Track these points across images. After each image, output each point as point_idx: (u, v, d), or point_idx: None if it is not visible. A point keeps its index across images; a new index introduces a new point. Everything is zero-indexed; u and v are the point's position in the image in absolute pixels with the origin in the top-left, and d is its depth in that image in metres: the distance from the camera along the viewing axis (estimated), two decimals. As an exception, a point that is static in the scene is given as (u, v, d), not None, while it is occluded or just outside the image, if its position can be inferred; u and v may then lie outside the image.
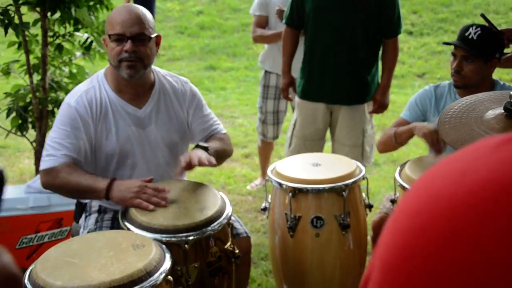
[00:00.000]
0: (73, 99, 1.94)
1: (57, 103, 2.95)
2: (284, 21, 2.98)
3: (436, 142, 2.09)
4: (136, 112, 2.00)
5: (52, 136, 1.93)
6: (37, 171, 2.95)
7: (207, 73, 7.12)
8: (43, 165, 1.92)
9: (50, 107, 3.01)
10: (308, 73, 2.93)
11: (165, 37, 8.32)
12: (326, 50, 2.83)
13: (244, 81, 6.79)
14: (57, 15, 2.97)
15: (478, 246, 0.34)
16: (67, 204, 2.65)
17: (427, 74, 6.54)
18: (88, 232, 1.99)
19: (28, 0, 2.84)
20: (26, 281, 1.43)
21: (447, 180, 0.39)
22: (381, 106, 2.97)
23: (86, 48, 3.09)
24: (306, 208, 2.07)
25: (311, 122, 3.01)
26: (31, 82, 2.99)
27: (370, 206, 2.25)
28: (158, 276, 1.44)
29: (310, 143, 3.05)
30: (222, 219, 1.80)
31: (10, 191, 2.77)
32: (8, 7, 2.82)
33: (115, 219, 2.00)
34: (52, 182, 1.90)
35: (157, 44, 2.02)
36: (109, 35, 1.90)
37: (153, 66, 2.06)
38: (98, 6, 3.02)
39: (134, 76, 1.93)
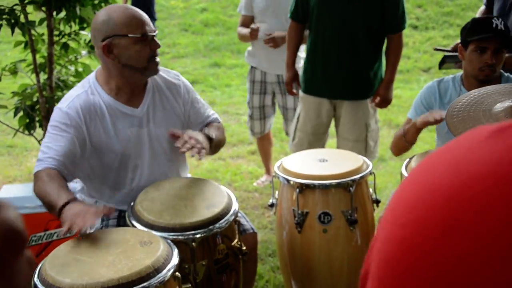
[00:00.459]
0: (65, 104, 1.90)
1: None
2: (289, 15, 2.99)
3: (439, 119, 2.09)
4: (134, 112, 1.97)
5: (44, 141, 1.91)
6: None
7: (211, 70, 7.12)
8: (34, 170, 1.86)
9: (56, 106, 3.02)
10: (311, 67, 2.94)
11: (169, 35, 8.33)
12: (329, 45, 2.83)
13: (243, 76, 6.79)
14: (63, 14, 2.98)
15: (476, 238, 0.34)
16: (75, 202, 2.67)
17: (433, 69, 6.51)
18: (95, 230, 1.98)
19: (33, -1, 2.85)
20: (35, 279, 1.44)
21: (442, 172, 0.39)
22: (384, 101, 2.96)
23: (92, 47, 3.10)
24: (313, 204, 2.07)
25: (314, 117, 3.01)
26: (38, 81, 3.01)
27: (377, 202, 2.24)
28: (166, 272, 1.45)
29: (313, 137, 3.06)
30: (229, 216, 1.80)
31: (19, 190, 2.79)
32: (14, 7, 2.83)
33: (120, 218, 2.00)
34: (34, 186, 1.81)
35: None
36: (132, 35, 1.85)
37: None
38: (103, 4, 3.02)
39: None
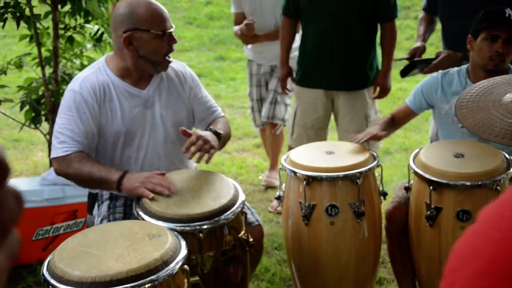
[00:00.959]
0: (76, 84, 1.97)
1: (69, 95, 2.96)
2: (281, 11, 3.01)
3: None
4: (140, 93, 2.03)
5: (59, 123, 1.95)
6: (51, 163, 2.97)
7: (216, 64, 7.10)
8: (55, 153, 1.94)
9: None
10: (305, 60, 2.96)
11: (174, 28, 8.31)
12: (322, 37, 2.85)
13: (242, 77, 6.77)
14: (68, 7, 2.98)
15: None
16: (82, 195, 2.67)
17: (439, 61, 6.48)
18: (102, 219, 2.02)
19: (38, -8, 2.85)
20: (44, 271, 1.44)
21: None
22: (383, 91, 2.97)
23: (97, 40, 3.10)
24: (320, 196, 2.06)
25: (312, 111, 3.03)
26: (43, 74, 3.01)
27: (384, 194, 2.23)
28: (175, 265, 1.45)
29: (312, 131, 3.07)
30: (236, 208, 1.80)
31: (25, 184, 2.80)
32: (20, 0, 2.82)
33: (126, 206, 2.04)
34: (65, 171, 1.93)
35: None
36: (154, 31, 1.93)
37: None
38: (108, -3, 3.02)
39: None
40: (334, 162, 2.10)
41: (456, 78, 2.31)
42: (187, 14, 8.82)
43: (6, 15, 2.80)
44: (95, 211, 2.14)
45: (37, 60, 3.06)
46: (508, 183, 2.01)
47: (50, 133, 3.09)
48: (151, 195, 1.81)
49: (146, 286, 1.37)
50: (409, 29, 7.54)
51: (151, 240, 1.51)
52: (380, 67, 2.97)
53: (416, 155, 2.14)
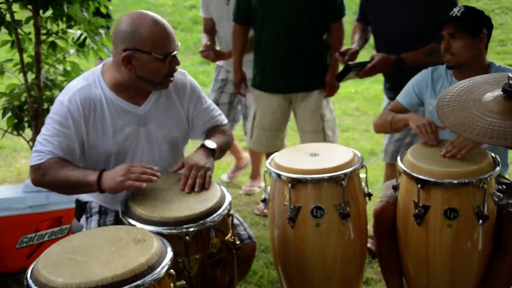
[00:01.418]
0: (66, 97, 1.88)
1: (52, 101, 2.91)
2: (232, 18, 3.07)
3: (430, 133, 2.14)
4: (136, 109, 1.95)
5: (42, 133, 1.90)
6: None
7: (201, 68, 7.10)
8: (31, 162, 1.90)
9: (45, 106, 2.99)
10: (260, 65, 3.04)
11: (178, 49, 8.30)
12: (275, 41, 2.93)
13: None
14: (49, 12, 2.95)
15: None
16: (66, 202, 2.65)
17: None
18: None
19: (19, -3, 2.82)
20: (28, 279, 1.43)
21: None
22: (331, 88, 3.05)
23: (80, 45, 3.07)
24: (305, 198, 2.07)
25: (270, 113, 3.13)
26: (26, 80, 2.97)
27: (369, 195, 2.25)
28: (160, 270, 1.44)
29: (271, 133, 3.18)
30: (222, 210, 1.80)
31: (8, 191, 2.76)
32: (0, 6, 2.79)
33: (118, 220, 1.95)
34: (41, 179, 1.87)
35: None
36: (155, 54, 1.82)
37: None
38: (90, 2, 3.00)
39: None
40: (319, 164, 2.11)
41: (444, 74, 2.36)
42: (171, 19, 8.80)
43: (-14, 21, 2.76)
44: (83, 221, 2.09)
45: (19, 66, 3.02)
46: (494, 182, 2.04)
47: (33, 139, 3.05)
48: (144, 184, 1.77)
49: (132, 291, 1.37)
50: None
51: (136, 245, 1.50)
52: None
53: (403, 155, 2.16)
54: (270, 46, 2.95)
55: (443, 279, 2.10)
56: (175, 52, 1.88)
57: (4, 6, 2.81)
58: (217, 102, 3.49)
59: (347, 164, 2.10)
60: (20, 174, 4.06)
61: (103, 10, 3.10)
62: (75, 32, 3.11)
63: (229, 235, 1.86)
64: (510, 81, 1.24)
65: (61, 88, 3.02)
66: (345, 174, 2.06)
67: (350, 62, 2.56)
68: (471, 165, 2.01)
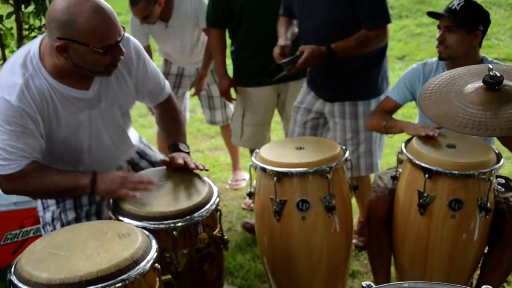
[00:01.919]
0: (14, 97, 1.69)
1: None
2: (207, 23, 3.07)
3: (432, 134, 2.14)
4: (85, 94, 1.83)
5: (2, 139, 1.71)
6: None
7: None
8: (2, 171, 1.75)
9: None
10: (248, 62, 3.03)
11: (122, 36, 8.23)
12: (262, 41, 2.91)
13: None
14: (32, 7, 2.92)
15: None
16: (51, 198, 2.63)
17: (407, 57, 6.57)
18: (54, 220, 1.96)
19: (0, -8, 2.79)
20: (11, 274, 1.41)
21: None
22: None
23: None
24: (291, 191, 2.07)
25: (262, 107, 3.14)
26: (8, 76, 2.94)
27: (355, 188, 2.26)
28: (145, 264, 1.44)
29: (263, 128, 3.21)
30: (210, 205, 1.81)
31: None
32: (-19, 1, 2.76)
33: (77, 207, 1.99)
34: (22, 188, 1.78)
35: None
36: (93, 48, 1.66)
37: None
38: (73, -4, 2.97)
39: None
40: (304, 158, 2.11)
41: (435, 67, 2.36)
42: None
43: (-33, 16, 2.73)
44: (41, 213, 2.03)
45: (1, 61, 3.00)
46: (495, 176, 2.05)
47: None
48: (138, 194, 1.77)
49: (117, 286, 1.36)
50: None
51: (121, 239, 1.50)
52: None
53: (407, 144, 2.17)
54: (255, 40, 2.96)
55: (440, 270, 2.10)
56: (118, 40, 1.70)
57: (-15, 1, 2.78)
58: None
59: (333, 157, 2.11)
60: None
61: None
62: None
63: (217, 230, 1.87)
64: (491, 73, 1.25)
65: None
66: (330, 167, 2.06)
67: (282, 61, 2.49)
68: (478, 156, 2.01)
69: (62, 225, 1.94)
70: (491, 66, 1.29)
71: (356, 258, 2.78)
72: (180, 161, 1.96)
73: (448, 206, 2.00)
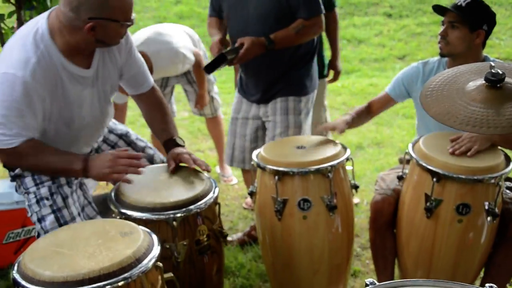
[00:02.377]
0: (27, 72, 1.75)
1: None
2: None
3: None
4: (87, 73, 1.93)
5: (2, 114, 1.76)
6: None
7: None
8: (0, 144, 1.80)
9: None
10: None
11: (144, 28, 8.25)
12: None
13: (225, 69, 6.75)
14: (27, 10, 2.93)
15: None
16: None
17: (408, 56, 6.58)
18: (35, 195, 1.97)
19: (2, -8, 2.79)
20: (14, 272, 1.42)
21: None
22: (338, 73, 3.22)
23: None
24: (292, 191, 2.08)
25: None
26: (10, 75, 2.94)
27: (356, 187, 2.26)
28: (148, 262, 1.44)
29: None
30: (208, 198, 1.85)
31: (-6, 187, 2.74)
32: (-18, 0, 2.77)
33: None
34: (17, 163, 1.90)
35: None
36: (122, 22, 1.83)
37: None
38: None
39: None
40: (305, 157, 2.11)
41: (436, 66, 2.36)
42: (156, 14, 8.76)
43: (-31, 16, 2.74)
44: (33, 189, 2.00)
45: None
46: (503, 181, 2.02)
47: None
48: (129, 179, 1.84)
49: (119, 284, 1.37)
50: (378, 25, 7.64)
51: (123, 237, 1.51)
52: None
53: (414, 146, 2.13)
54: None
55: (444, 272, 2.07)
56: (134, 16, 1.90)
57: (-14, 0, 2.78)
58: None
59: (334, 156, 2.11)
60: (5, 170, 4.01)
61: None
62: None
63: (217, 223, 1.92)
64: (492, 70, 1.26)
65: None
66: (331, 166, 2.07)
67: (224, 51, 2.44)
68: (487, 161, 1.96)
69: (63, 199, 1.96)
70: (493, 64, 1.29)
71: (357, 257, 2.78)
72: (191, 162, 2.01)
73: (455, 210, 1.95)
